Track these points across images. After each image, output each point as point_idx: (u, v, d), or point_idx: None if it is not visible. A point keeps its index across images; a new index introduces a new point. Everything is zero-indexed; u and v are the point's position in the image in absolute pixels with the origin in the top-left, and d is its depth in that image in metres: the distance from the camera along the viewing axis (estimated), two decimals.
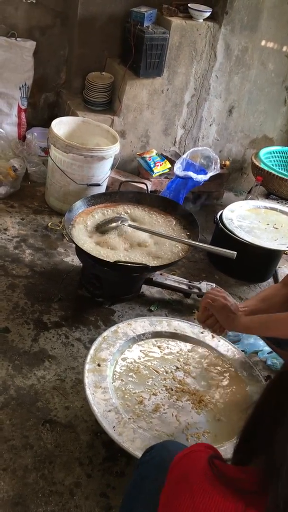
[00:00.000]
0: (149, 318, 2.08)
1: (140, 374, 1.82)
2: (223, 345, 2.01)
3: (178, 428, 1.65)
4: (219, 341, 2.02)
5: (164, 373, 1.84)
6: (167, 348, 1.98)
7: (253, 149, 3.85)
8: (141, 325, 2.01)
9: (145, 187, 2.84)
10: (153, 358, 1.90)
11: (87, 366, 1.76)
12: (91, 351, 1.83)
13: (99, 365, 1.78)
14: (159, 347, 1.97)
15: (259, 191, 3.48)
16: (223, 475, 0.94)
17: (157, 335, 2.01)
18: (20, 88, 3.29)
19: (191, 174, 3.09)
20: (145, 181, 3.11)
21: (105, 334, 1.92)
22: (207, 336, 2.03)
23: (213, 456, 1.01)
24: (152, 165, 3.29)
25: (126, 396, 1.72)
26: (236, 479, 0.93)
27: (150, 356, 1.91)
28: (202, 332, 2.04)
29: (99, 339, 1.89)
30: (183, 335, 2.02)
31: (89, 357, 1.80)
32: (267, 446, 0.94)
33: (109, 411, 1.62)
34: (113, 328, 1.96)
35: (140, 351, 1.93)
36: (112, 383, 1.75)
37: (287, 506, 0.88)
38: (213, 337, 2.03)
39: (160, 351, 1.95)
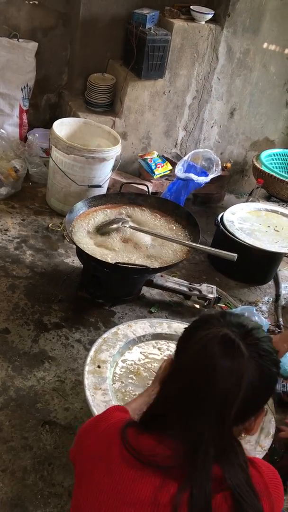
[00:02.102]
0: (149, 320, 2.08)
1: (140, 376, 1.82)
2: None
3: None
4: None
5: None
6: (168, 350, 1.97)
7: (255, 151, 3.85)
8: (142, 326, 2.00)
9: (146, 189, 2.84)
10: (153, 360, 1.90)
11: (87, 368, 1.76)
12: (91, 353, 1.82)
13: (99, 366, 1.78)
14: (159, 349, 1.97)
15: (260, 193, 3.48)
16: (138, 454, 0.92)
17: (158, 337, 2.00)
18: (22, 89, 3.30)
19: (192, 176, 3.09)
20: (146, 183, 3.11)
21: (105, 335, 1.92)
22: None
23: (126, 429, 0.97)
24: (153, 167, 3.29)
25: (126, 398, 1.72)
26: (152, 456, 0.91)
27: (150, 358, 1.91)
28: None
29: (99, 340, 1.89)
30: None
31: (89, 359, 1.80)
32: (184, 420, 0.92)
33: None
34: (113, 329, 1.96)
35: (140, 352, 1.92)
36: (112, 384, 1.74)
37: (204, 485, 0.86)
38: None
39: (160, 353, 1.95)
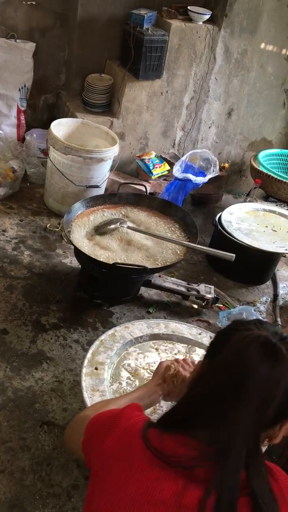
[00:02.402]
0: (146, 320, 2.08)
1: (138, 377, 1.82)
2: None
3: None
4: None
5: None
6: (165, 350, 1.97)
7: (252, 151, 3.85)
8: (139, 327, 2.00)
9: (144, 189, 2.84)
10: (151, 360, 1.90)
11: (84, 370, 1.76)
12: (88, 355, 1.82)
13: (96, 368, 1.78)
14: (156, 349, 1.97)
15: (258, 193, 3.49)
16: (162, 455, 0.92)
17: (155, 337, 2.00)
18: (19, 90, 3.29)
19: (190, 176, 3.09)
20: (144, 183, 3.11)
21: (102, 337, 1.92)
22: (205, 337, 2.03)
23: (147, 428, 0.97)
24: (151, 167, 3.29)
25: None
26: (175, 457, 0.91)
27: (148, 358, 1.91)
28: (200, 334, 2.04)
29: (97, 342, 1.89)
30: (181, 336, 2.02)
31: (86, 361, 1.80)
32: (215, 422, 0.91)
33: None
34: (110, 331, 1.96)
35: (138, 353, 1.92)
36: (110, 386, 1.75)
37: (232, 489, 0.86)
38: (211, 338, 2.03)
39: (158, 353, 1.95)
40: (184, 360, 1.51)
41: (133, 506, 0.89)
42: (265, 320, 2.56)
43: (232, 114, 3.65)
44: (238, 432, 0.89)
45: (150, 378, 1.80)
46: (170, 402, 1.51)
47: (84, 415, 1.23)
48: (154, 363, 1.89)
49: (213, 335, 2.02)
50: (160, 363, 1.49)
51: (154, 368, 1.86)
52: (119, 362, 1.87)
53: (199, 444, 0.91)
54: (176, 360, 1.50)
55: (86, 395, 1.66)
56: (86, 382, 1.71)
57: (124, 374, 1.82)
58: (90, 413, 1.19)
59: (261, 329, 0.95)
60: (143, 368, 1.86)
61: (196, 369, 1.08)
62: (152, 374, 1.83)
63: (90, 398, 1.65)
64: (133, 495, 0.90)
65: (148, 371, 1.86)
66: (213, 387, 0.94)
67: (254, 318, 2.40)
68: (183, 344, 2.01)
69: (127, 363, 1.88)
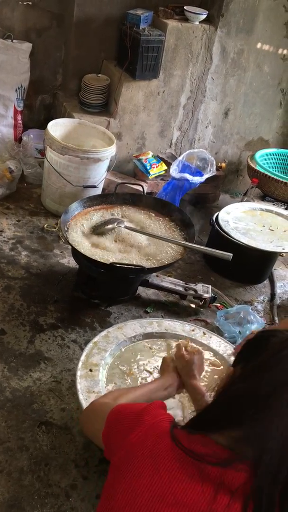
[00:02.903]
0: (139, 320, 2.09)
1: (133, 376, 1.82)
2: (215, 342, 2.02)
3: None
4: (210, 337, 2.04)
5: (156, 372, 1.84)
6: (159, 348, 1.98)
7: (249, 151, 3.86)
8: (132, 328, 2.01)
9: (141, 189, 2.84)
10: (145, 359, 1.91)
11: (78, 373, 1.76)
12: (82, 357, 1.83)
13: (90, 370, 1.78)
14: (150, 347, 1.97)
15: (255, 193, 3.49)
16: (192, 453, 0.91)
17: (148, 336, 2.01)
18: (16, 90, 3.29)
19: (187, 176, 3.10)
20: (141, 183, 3.11)
21: (95, 339, 1.92)
22: (198, 333, 2.04)
23: (173, 428, 0.97)
24: (148, 167, 3.30)
25: None
26: (207, 455, 0.90)
27: (142, 357, 1.92)
28: (193, 330, 2.05)
29: (90, 344, 1.89)
30: (174, 334, 2.03)
31: (80, 363, 1.80)
32: (254, 423, 0.90)
33: None
34: (103, 332, 1.96)
35: (132, 353, 1.93)
36: (105, 387, 1.75)
37: (270, 498, 0.85)
38: (204, 334, 2.05)
39: (152, 352, 1.95)
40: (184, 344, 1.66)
41: (156, 505, 0.88)
42: (263, 320, 2.56)
43: (229, 113, 3.65)
44: (279, 435, 0.87)
45: (145, 377, 1.82)
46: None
47: (102, 402, 1.23)
48: (149, 362, 1.90)
49: (206, 330, 2.05)
50: (165, 358, 1.61)
51: (148, 367, 1.87)
52: (113, 363, 1.87)
53: (230, 448, 0.90)
54: (178, 346, 1.65)
55: (81, 397, 1.67)
56: (81, 384, 1.72)
57: (119, 374, 1.83)
58: (108, 400, 1.20)
59: None
60: (138, 368, 1.87)
61: (227, 376, 1.07)
62: (146, 372, 1.84)
63: (86, 400, 1.66)
64: (155, 495, 0.89)
65: (143, 370, 1.86)
66: (253, 387, 0.93)
67: (256, 322, 2.42)
68: (177, 341, 2.02)
69: (121, 363, 1.88)
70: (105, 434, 1.08)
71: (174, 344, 1.98)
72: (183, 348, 1.69)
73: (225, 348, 2.00)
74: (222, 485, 0.87)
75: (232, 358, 1.90)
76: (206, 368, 1.89)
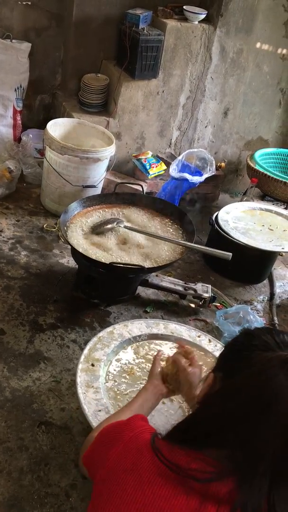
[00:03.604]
0: (146, 320, 2.08)
1: (133, 376, 1.82)
2: (219, 350, 2.00)
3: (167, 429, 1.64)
4: (215, 345, 2.02)
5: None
6: (163, 350, 1.97)
7: (248, 150, 3.86)
8: (138, 326, 2.01)
9: (140, 189, 2.84)
10: (148, 360, 1.90)
11: (80, 366, 1.76)
12: (85, 351, 1.83)
13: (92, 365, 1.78)
14: (154, 349, 1.97)
15: (255, 192, 3.49)
16: (176, 467, 0.88)
17: (153, 337, 2.00)
18: (15, 90, 3.29)
19: (186, 175, 3.10)
20: (141, 183, 3.11)
21: (100, 334, 1.92)
22: (204, 340, 2.03)
23: (154, 440, 0.94)
24: (147, 167, 3.30)
25: (118, 396, 1.72)
26: (190, 470, 0.88)
27: (144, 358, 1.91)
28: (199, 336, 2.04)
29: (94, 339, 1.89)
30: (179, 338, 2.01)
31: (82, 357, 1.80)
32: (237, 443, 0.88)
33: (100, 410, 1.62)
34: (108, 329, 1.96)
35: (135, 352, 1.93)
36: (104, 383, 1.75)
37: (256, 508, 0.84)
38: (210, 341, 2.03)
39: (155, 353, 1.95)
40: (175, 356, 1.47)
41: None
42: (262, 319, 2.56)
43: (228, 113, 3.65)
44: (265, 454, 0.86)
45: (146, 377, 1.81)
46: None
47: (90, 437, 1.21)
48: (151, 363, 1.89)
49: (212, 338, 2.04)
50: (153, 363, 1.47)
51: (149, 367, 1.86)
52: (115, 360, 1.87)
53: (216, 462, 0.89)
54: (172, 358, 1.47)
55: (80, 390, 1.66)
56: (81, 377, 1.71)
57: (120, 372, 1.82)
58: (94, 434, 1.17)
59: (281, 347, 0.93)
60: (139, 367, 1.86)
61: (207, 384, 1.04)
62: (147, 373, 1.83)
63: (84, 393, 1.66)
64: (141, 509, 0.87)
65: (144, 370, 1.86)
66: (235, 408, 0.90)
67: (255, 322, 2.41)
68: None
69: (123, 361, 1.88)
70: (86, 457, 1.06)
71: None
72: (183, 359, 1.45)
73: None
74: (208, 495, 0.86)
75: None
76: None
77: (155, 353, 1.92)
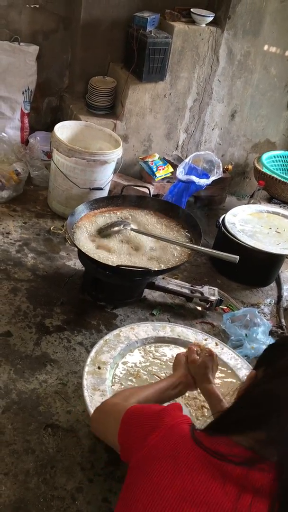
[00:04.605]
0: (152, 323, 2.07)
1: (140, 379, 1.81)
2: (226, 353, 2.00)
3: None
4: (222, 349, 2.01)
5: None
6: (169, 353, 1.97)
7: (256, 153, 3.85)
8: (144, 329, 2.00)
9: (147, 191, 2.84)
10: (154, 363, 1.90)
11: (86, 368, 1.76)
12: (92, 354, 1.82)
13: (99, 367, 1.78)
14: (160, 352, 1.96)
15: (262, 195, 3.48)
16: (215, 453, 0.91)
17: (160, 340, 2.00)
18: (23, 93, 3.31)
19: (193, 178, 3.09)
20: (148, 185, 3.11)
21: (107, 337, 1.92)
22: (211, 344, 2.02)
23: (193, 429, 0.98)
24: (154, 169, 3.30)
25: None
26: (230, 455, 0.90)
27: (151, 361, 1.91)
28: (205, 339, 2.03)
29: (101, 342, 1.89)
30: (186, 341, 2.01)
31: (89, 360, 1.80)
32: (276, 425, 0.90)
33: None
34: (115, 331, 1.96)
35: (142, 355, 1.92)
36: (111, 386, 1.74)
37: None
38: (216, 344, 2.02)
39: (162, 356, 1.95)
40: (196, 346, 1.58)
41: (180, 505, 0.88)
42: (270, 323, 2.55)
43: (235, 116, 3.64)
44: None
45: (152, 380, 1.81)
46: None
47: (114, 403, 1.23)
48: (157, 366, 1.89)
49: (219, 341, 2.03)
50: (177, 355, 1.54)
51: (156, 370, 1.86)
52: (122, 363, 1.87)
53: (253, 448, 0.91)
54: (190, 349, 1.56)
55: (86, 393, 1.66)
56: (87, 380, 1.71)
57: (126, 375, 1.82)
58: (119, 400, 1.19)
59: None
60: (146, 370, 1.86)
61: (248, 379, 1.07)
62: (154, 376, 1.83)
63: (90, 396, 1.66)
64: (178, 495, 0.89)
65: (151, 373, 1.85)
66: (275, 390, 0.94)
67: (262, 325, 2.40)
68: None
69: (130, 364, 1.88)
70: (122, 434, 1.07)
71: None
72: (195, 352, 1.60)
73: (236, 362, 1.96)
74: (245, 485, 0.88)
75: (244, 371, 1.88)
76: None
77: (161, 356, 1.93)
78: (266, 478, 0.87)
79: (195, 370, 1.51)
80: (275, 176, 3.44)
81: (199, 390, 1.55)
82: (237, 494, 0.87)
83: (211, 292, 2.58)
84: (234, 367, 1.93)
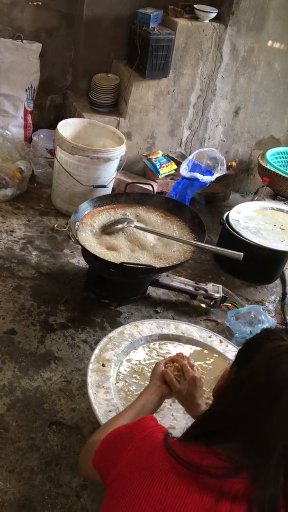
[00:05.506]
0: (156, 320, 2.07)
1: (144, 376, 1.81)
2: (231, 350, 1.99)
3: (177, 431, 1.63)
4: (227, 346, 2.00)
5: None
6: (173, 351, 1.96)
7: (260, 150, 3.83)
8: (148, 327, 2.00)
9: (151, 189, 2.83)
10: (158, 361, 1.89)
11: (91, 366, 1.76)
12: (96, 351, 1.82)
13: (103, 365, 1.78)
14: (165, 349, 1.96)
15: (266, 192, 3.47)
16: (189, 464, 0.89)
17: (164, 337, 1.99)
18: (26, 90, 3.30)
19: (197, 175, 3.08)
20: (151, 183, 3.10)
21: (111, 334, 1.92)
22: (215, 341, 2.01)
23: (166, 439, 0.96)
24: (158, 166, 3.29)
25: (128, 397, 1.71)
26: (204, 466, 0.88)
27: (155, 358, 1.91)
28: (210, 337, 2.03)
29: (105, 339, 1.89)
30: (190, 338, 2.00)
31: (93, 357, 1.80)
32: (249, 434, 0.89)
33: (110, 411, 1.61)
34: (119, 329, 1.96)
35: (146, 353, 1.92)
36: (115, 383, 1.74)
37: (273, 500, 0.84)
38: (221, 342, 2.01)
39: (166, 354, 1.94)
40: (182, 357, 1.47)
41: None
42: (274, 320, 2.54)
43: (239, 112, 3.63)
44: (277, 444, 0.86)
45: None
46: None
47: (93, 441, 1.21)
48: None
49: (223, 338, 2.02)
50: (156, 365, 1.46)
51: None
52: (126, 360, 1.86)
53: (229, 457, 0.89)
54: (172, 360, 1.46)
55: (90, 390, 1.66)
56: (92, 378, 1.71)
57: (130, 372, 1.82)
58: (98, 437, 1.18)
59: None
60: (150, 368, 1.85)
61: (222, 377, 1.06)
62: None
63: (94, 394, 1.65)
64: (155, 507, 0.88)
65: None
66: (245, 396, 0.91)
67: (267, 322, 2.40)
68: (192, 346, 2.00)
69: (134, 361, 1.87)
70: (96, 459, 1.06)
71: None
72: (174, 379, 1.40)
73: None
74: (222, 492, 0.86)
75: None
76: (210, 368, 1.88)
77: (165, 353, 1.92)
78: (241, 484, 0.86)
79: (181, 399, 1.41)
80: (280, 172, 3.42)
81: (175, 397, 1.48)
82: (214, 502, 0.86)
83: (215, 290, 2.58)
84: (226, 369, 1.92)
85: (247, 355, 1.00)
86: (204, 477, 0.87)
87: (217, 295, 2.55)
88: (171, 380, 1.38)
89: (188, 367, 1.41)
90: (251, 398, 0.90)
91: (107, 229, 2.43)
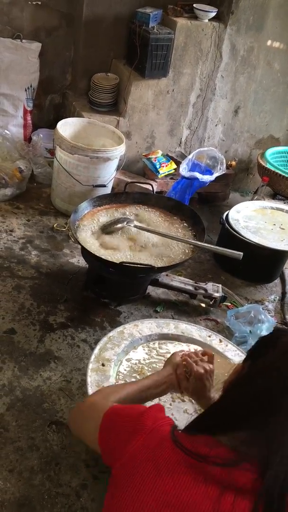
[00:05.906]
0: (156, 320, 2.07)
1: (143, 376, 1.81)
2: (230, 350, 1.99)
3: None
4: (226, 345, 2.00)
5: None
6: (173, 350, 1.96)
7: (259, 149, 3.83)
8: (148, 326, 2.00)
9: (150, 188, 2.83)
10: (158, 360, 1.89)
11: (90, 366, 1.76)
12: (96, 351, 1.82)
13: (103, 364, 1.78)
14: (164, 349, 1.96)
15: (265, 191, 3.47)
16: (195, 454, 0.90)
17: (164, 337, 1.99)
18: (25, 90, 3.30)
19: (196, 174, 3.08)
20: (151, 182, 3.10)
21: (110, 334, 1.92)
22: (215, 340, 2.01)
23: (174, 430, 0.97)
24: (157, 166, 3.29)
25: None
26: (210, 456, 0.89)
27: (155, 357, 1.91)
28: (209, 336, 2.03)
29: (104, 339, 1.89)
30: (190, 338, 2.00)
31: (93, 357, 1.80)
32: (258, 425, 0.90)
33: None
34: (119, 328, 1.95)
35: (145, 352, 1.92)
36: (115, 383, 1.74)
37: (281, 493, 0.84)
38: (220, 341, 2.01)
39: (166, 353, 1.94)
40: (195, 353, 1.50)
41: (159, 510, 0.88)
42: (274, 319, 2.54)
43: (238, 111, 3.63)
44: (285, 436, 0.87)
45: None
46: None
47: (93, 400, 1.21)
48: (161, 363, 1.89)
49: (223, 338, 2.02)
50: (174, 354, 1.49)
51: (160, 367, 1.85)
52: (125, 360, 1.86)
53: (236, 449, 0.90)
54: (189, 355, 1.49)
55: (90, 390, 1.66)
56: (91, 377, 1.71)
57: (130, 372, 1.82)
58: (98, 399, 1.18)
59: None
60: (150, 367, 1.86)
61: (234, 372, 1.07)
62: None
63: None
64: (160, 499, 0.88)
65: (155, 370, 1.85)
66: (259, 388, 0.93)
67: (267, 322, 2.40)
68: (192, 346, 2.00)
69: (134, 361, 1.87)
70: (102, 440, 1.06)
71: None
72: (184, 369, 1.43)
73: (240, 359, 1.94)
74: (227, 484, 0.87)
75: None
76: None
77: (165, 353, 1.92)
78: (248, 477, 0.86)
79: (189, 394, 1.43)
80: (279, 172, 3.42)
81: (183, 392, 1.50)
82: (219, 494, 0.86)
83: (215, 289, 2.58)
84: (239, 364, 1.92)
85: (260, 351, 1.02)
86: (211, 468, 0.88)
87: (216, 294, 2.55)
88: (181, 375, 1.41)
89: (193, 364, 1.43)
90: (265, 388, 0.92)
91: (107, 229, 2.43)
